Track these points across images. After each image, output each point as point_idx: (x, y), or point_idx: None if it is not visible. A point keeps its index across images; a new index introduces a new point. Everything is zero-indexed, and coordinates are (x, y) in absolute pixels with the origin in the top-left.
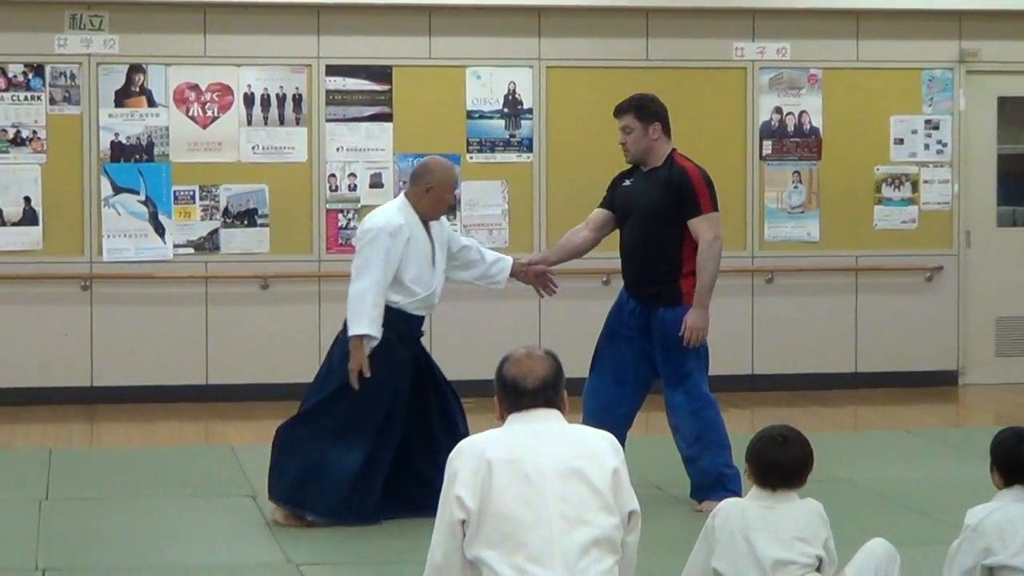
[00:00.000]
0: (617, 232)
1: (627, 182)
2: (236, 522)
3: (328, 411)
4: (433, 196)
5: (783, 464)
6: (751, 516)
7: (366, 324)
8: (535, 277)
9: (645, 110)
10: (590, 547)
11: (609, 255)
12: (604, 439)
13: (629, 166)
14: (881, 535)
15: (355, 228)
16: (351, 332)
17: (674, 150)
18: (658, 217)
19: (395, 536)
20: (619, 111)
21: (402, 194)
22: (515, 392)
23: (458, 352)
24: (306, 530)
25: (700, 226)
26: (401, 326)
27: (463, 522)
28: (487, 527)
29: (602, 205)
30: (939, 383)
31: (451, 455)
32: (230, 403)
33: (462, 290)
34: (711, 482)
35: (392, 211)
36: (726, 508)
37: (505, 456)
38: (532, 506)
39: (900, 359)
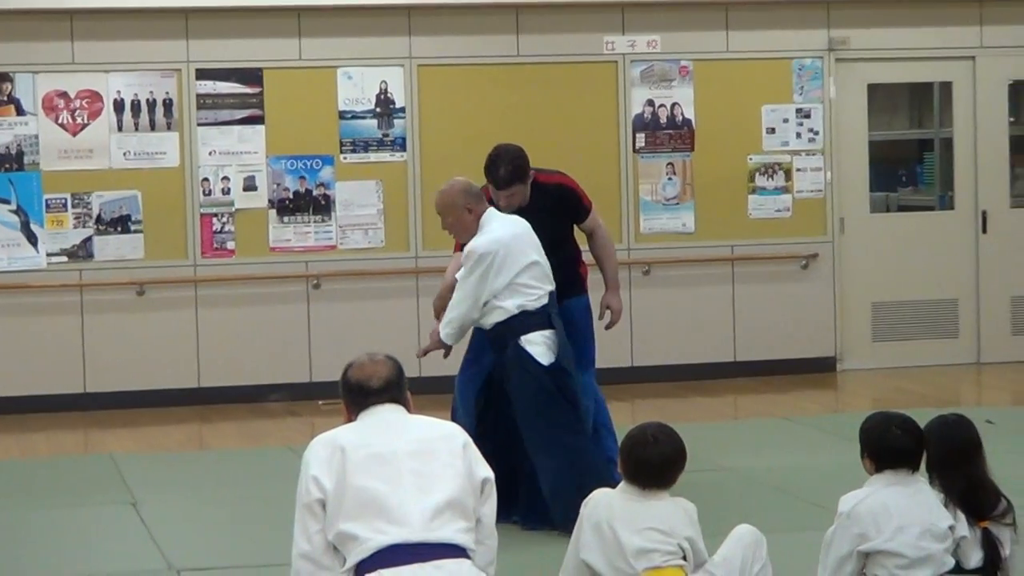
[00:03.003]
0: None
1: None
2: (117, 530)
3: None
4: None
5: (653, 463)
6: (616, 507)
7: None
8: None
9: (523, 171)
10: (443, 509)
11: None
12: (451, 425)
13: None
14: (759, 522)
15: (230, 232)
16: None
17: None
18: (560, 235)
19: (274, 540)
20: (504, 184)
21: None
22: (361, 393)
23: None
24: (189, 536)
25: (593, 221)
26: None
27: (321, 503)
28: (347, 503)
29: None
30: (817, 370)
31: (305, 450)
32: (109, 411)
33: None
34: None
35: None
36: (595, 498)
37: (357, 442)
38: (387, 479)
39: (778, 347)
